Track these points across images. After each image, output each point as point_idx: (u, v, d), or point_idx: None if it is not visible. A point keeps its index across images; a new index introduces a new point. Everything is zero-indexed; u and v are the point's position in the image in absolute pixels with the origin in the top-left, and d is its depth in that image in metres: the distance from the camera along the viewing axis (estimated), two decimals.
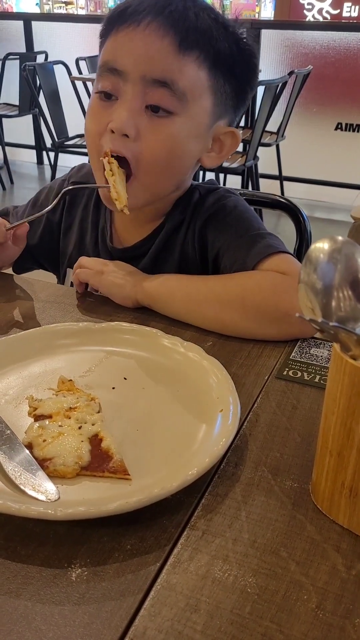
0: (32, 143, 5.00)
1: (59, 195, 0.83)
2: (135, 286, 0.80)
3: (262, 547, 0.45)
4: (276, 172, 3.90)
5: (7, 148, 4.43)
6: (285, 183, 3.96)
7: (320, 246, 0.43)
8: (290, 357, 0.70)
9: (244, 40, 0.80)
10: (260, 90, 3.13)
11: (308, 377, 0.66)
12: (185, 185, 0.89)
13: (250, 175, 3.47)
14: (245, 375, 0.66)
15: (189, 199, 0.89)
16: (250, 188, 3.53)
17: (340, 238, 0.43)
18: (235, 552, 0.44)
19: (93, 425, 0.54)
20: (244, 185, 3.43)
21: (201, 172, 2.98)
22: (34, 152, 5.04)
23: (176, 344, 0.68)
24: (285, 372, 0.67)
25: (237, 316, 0.73)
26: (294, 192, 4.01)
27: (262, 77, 3.83)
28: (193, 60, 0.74)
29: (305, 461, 0.53)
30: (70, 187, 0.89)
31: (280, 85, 3.25)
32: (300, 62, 3.90)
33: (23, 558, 0.43)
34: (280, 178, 3.91)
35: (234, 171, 3.24)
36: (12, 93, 4.16)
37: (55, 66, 3.70)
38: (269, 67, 4.00)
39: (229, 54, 0.77)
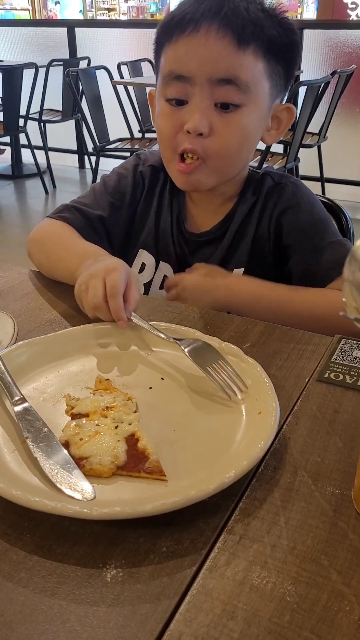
0: (74, 147, 5.08)
1: None
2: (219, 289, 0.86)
3: (302, 554, 0.43)
4: (317, 174, 3.84)
5: (50, 153, 4.51)
6: (326, 185, 3.89)
7: None
8: (332, 360, 0.68)
9: (284, 19, 0.86)
10: (302, 90, 3.08)
11: (350, 380, 0.64)
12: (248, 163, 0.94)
13: None
14: (285, 378, 0.65)
15: (260, 183, 0.95)
16: None
17: None
18: (274, 558, 0.43)
19: (130, 425, 0.54)
20: None
21: None
22: (75, 156, 5.12)
23: (214, 345, 0.67)
24: (326, 375, 0.65)
25: (310, 327, 0.76)
26: (336, 194, 3.92)
27: (304, 77, 3.80)
28: (251, 52, 0.81)
29: (347, 467, 0.52)
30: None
31: (322, 85, 3.20)
32: (344, 62, 3.83)
33: (58, 557, 0.43)
34: (322, 180, 3.84)
35: None
36: (55, 99, 4.24)
37: (97, 71, 3.75)
38: (311, 68, 3.94)
39: (278, 38, 0.83)
